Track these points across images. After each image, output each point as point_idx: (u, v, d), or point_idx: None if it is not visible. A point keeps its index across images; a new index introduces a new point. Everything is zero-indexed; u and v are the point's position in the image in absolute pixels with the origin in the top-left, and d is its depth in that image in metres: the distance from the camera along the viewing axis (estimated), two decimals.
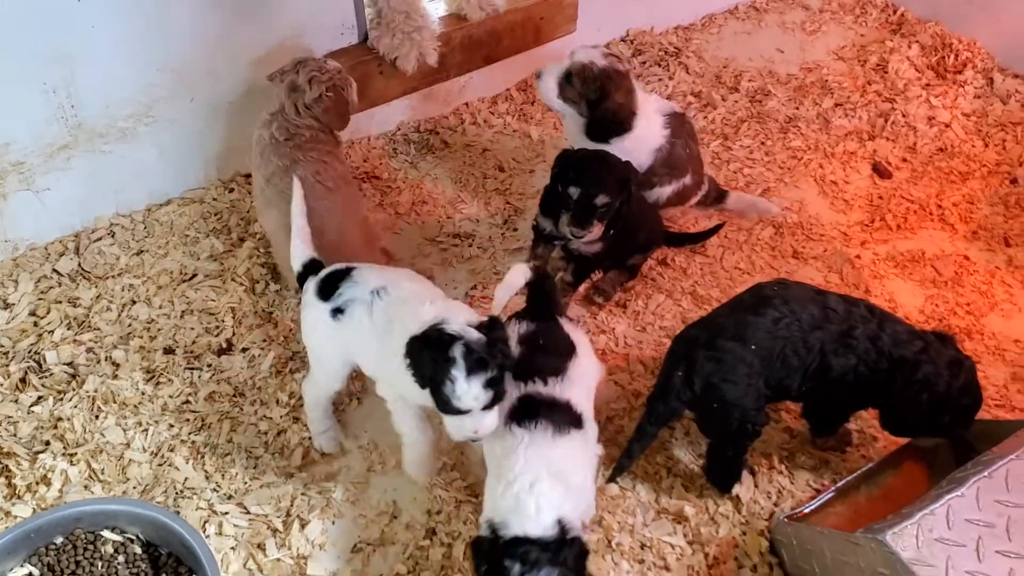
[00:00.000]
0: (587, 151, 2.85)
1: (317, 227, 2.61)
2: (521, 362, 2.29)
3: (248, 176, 3.36)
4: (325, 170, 2.83)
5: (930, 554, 2.01)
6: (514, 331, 2.38)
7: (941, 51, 3.94)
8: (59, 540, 2.36)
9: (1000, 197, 3.44)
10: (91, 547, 2.35)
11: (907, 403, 2.38)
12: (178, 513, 2.51)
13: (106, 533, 2.37)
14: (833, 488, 2.53)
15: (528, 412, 2.21)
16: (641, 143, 3.02)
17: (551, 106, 3.03)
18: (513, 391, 2.25)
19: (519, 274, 2.42)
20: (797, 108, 3.77)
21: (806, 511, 2.50)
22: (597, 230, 2.79)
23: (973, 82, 3.83)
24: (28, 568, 2.32)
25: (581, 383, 2.32)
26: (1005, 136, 3.66)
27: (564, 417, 2.21)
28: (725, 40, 4.12)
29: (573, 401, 2.26)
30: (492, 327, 2.17)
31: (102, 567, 2.33)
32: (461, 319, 2.17)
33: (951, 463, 2.59)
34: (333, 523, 2.52)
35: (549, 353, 2.33)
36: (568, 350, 2.35)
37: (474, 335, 2.11)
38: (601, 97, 2.89)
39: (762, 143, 3.64)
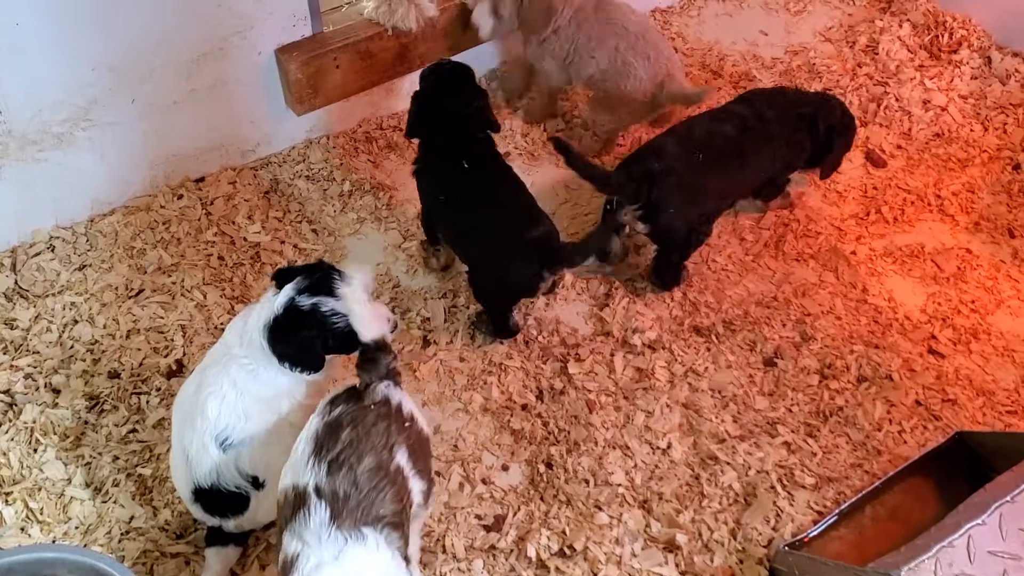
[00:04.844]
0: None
1: None
2: None
3: (198, 181, 3.14)
4: None
5: None
6: None
7: (934, 29, 3.73)
8: None
9: (1002, 185, 3.24)
10: None
11: None
12: (122, 558, 2.30)
13: None
14: (836, 511, 2.34)
15: None
16: None
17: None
18: None
19: None
20: None
21: (808, 537, 2.31)
22: None
23: (969, 62, 3.62)
24: None
25: None
26: (1006, 119, 3.45)
27: None
28: (706, 23, 3.90)
29: None
30: None
31: None
32: None
33: (960, 477, 2.44)
34: None
35: None
36: None
37: None
38: None
39: None
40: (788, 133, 2.82)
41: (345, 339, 2.14)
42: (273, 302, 2.12)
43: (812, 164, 2.97)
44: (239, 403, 2.09)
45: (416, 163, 2.78)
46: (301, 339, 2.12)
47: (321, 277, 2.15)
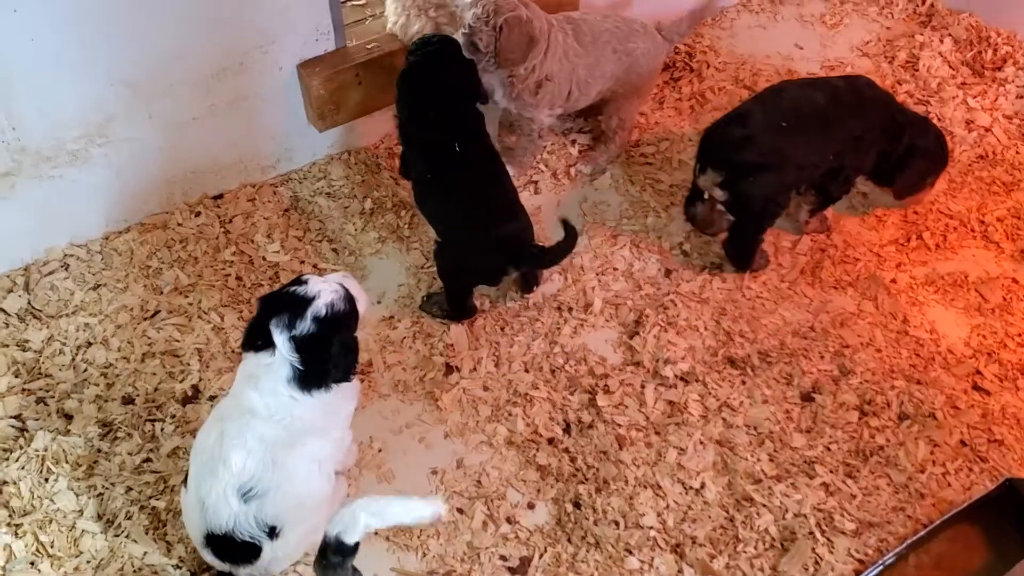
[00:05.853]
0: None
1: None
2: None
3: (217, 197, 3.05)
4: None
5: None
6: None
7: (977, 45, 3.60)
8: None
9: None
10: None
11: None
12: None
13: None
14: (880, 563, 2.23)
15: None
16: None
17: None
18: None
19: None
20: None
21: None
22: None
23: (1015, 80, 3.48)
24: None
25: None
26: None
27: None
28: (739, 36, 3.78)
29: None
30: None
31: None
32: None
33: (1008, 522, 2.33)
34: None
35: None
36: None
37: None
38: None
39: None
40: (878, 124, 2.79)
41: (354, 312, 2.15)
42: (276, 359, 2.04)
43: (879, 178, 2.89)
44: (267, 453, 2.01)
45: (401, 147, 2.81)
46: (335, 353, 2.07)
47: (285, 301, 2.09)
